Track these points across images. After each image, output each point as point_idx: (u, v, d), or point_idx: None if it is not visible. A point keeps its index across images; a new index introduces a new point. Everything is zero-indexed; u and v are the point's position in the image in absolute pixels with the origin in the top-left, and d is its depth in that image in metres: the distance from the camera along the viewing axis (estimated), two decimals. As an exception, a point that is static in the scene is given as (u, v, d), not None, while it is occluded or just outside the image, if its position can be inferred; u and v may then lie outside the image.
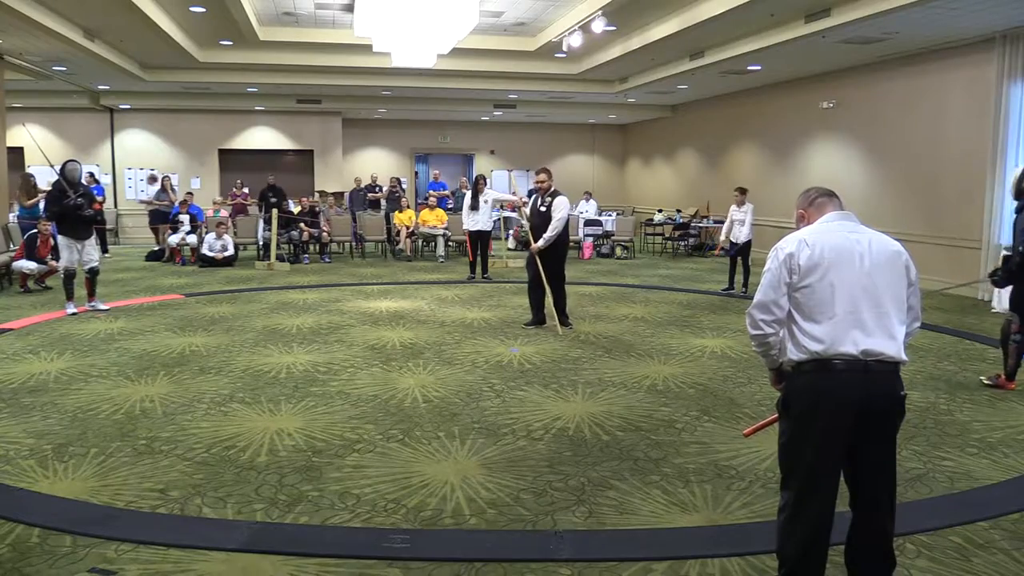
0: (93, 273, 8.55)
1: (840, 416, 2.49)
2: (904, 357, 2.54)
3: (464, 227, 11.67)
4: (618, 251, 15.18)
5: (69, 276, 8.38)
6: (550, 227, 7.56)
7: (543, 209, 7.74)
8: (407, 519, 3.50)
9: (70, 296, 8.42)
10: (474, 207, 11.36)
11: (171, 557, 3.12)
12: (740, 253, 10.19)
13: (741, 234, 10.05)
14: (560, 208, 7.60)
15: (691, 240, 15.87)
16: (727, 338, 7.46)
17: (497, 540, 3.32)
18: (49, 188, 13.03)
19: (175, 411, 5.03)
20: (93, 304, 8.57)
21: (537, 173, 7.98)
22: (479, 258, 11.62)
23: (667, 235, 16.07)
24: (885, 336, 2.49)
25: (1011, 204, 9.23)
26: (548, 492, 3.79)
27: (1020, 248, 5.27)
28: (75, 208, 8.17)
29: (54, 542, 3.23)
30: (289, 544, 3.24)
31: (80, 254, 8.33)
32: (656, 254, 15.82)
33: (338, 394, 5.44)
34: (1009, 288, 5.62)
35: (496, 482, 3.91)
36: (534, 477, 3.98)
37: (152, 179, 16.14)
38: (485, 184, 11.73)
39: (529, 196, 11.63)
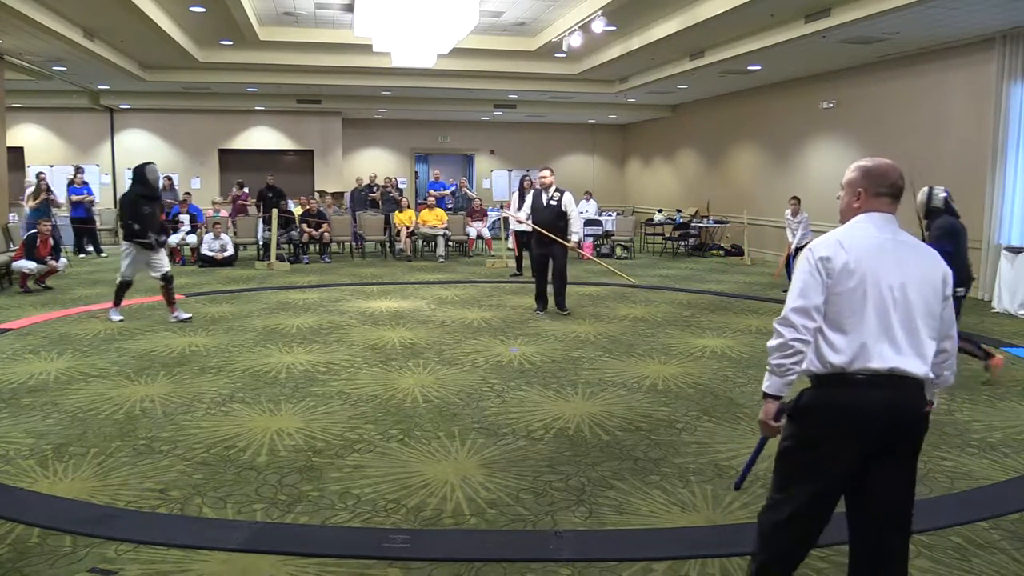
0: (168, 280, 7.87)
1: (859, 435, 2.34)
2: (931, 374, 2.39)
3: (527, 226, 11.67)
4: (618, 251, 15.18)
5: (125, 285, 7.89)
6: (573, 221, 8.49)
7: (553, 203, 8.52)
8: (407, 519, 3.50)
9: (118, 303, 7.98)
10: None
11: (171, 557, 3.13)
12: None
13: (796, 239, 10.79)
14: (573, 203, 8.62)
15: (691, 240, 15.87)
16: (727, 338, 7.46)
17: (497, 540, 3.32)
18: (40, 188, 12.92)
19: (175, 411, 5.03)
20: (176, 315, 7.96)
21: (546, 169, 8.78)
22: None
23: (667, 235, 16.07)
24: (914, 354, 2.34)
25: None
26: (548, 492, 3.79)
27: None
28: (150, 217, 7.69)
29: (54, 542, 3.23)
30: (289, 544, 3.25)
31: (148, 265, 7.78)
32: (656, 254, 15.81)
33: (338, 394, 5.44)
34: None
35: (496, 482, 3.91)
36: (534, 477, 3.98)
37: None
38: (531, 185, 11.69)
39: (519, 192, 11.76)
